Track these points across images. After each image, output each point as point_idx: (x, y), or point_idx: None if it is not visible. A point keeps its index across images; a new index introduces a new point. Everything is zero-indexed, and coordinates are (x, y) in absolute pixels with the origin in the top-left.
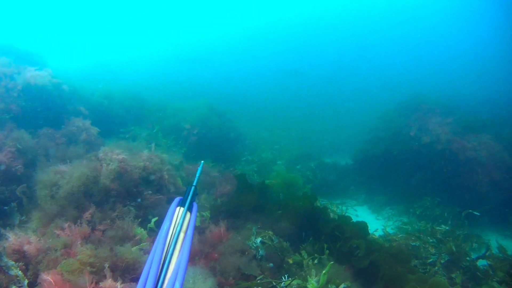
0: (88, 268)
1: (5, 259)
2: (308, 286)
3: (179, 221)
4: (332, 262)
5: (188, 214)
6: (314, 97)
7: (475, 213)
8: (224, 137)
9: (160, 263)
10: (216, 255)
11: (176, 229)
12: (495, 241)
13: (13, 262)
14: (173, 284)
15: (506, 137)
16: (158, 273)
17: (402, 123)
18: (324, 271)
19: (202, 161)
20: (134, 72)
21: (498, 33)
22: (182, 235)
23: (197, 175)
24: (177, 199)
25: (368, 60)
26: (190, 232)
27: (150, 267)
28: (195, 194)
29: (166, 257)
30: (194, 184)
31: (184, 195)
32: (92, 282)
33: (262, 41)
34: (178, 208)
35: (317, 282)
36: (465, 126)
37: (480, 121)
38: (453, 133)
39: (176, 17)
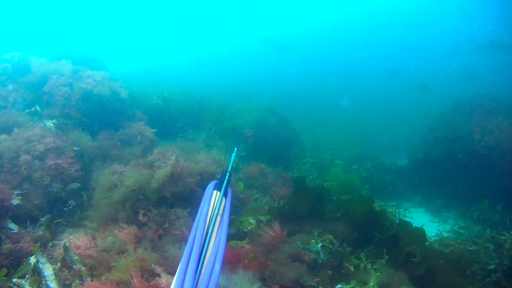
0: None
1: (71, 253)
2: None
3: (216, 204)
4: (379, 273)
5: (224, 198)
6: (372, 96)
7: None
8: (281, 139)
9: (201, 243)
10: (269, 262)
11: (214, 212)
12: None
13: (77, 257)
14: (213, 264)
15: None
16: (200, 254)
17: (462, 124)
18: (372, 283)
19: (236, 148)
20: (194, 75)
21: None
22: (219, 218)
23: (232, 161)
24: (213, 183)
25: (425, 57)
26: (226, 215)
27: (192, 248)
28: (229, 180)
29: (206, 238)
30: (229, 170)
31: (220, 179)
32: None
33: (319, 40)
34: (215, 192)
35: None
36: None
37: None
38: None
39: (233, 17)
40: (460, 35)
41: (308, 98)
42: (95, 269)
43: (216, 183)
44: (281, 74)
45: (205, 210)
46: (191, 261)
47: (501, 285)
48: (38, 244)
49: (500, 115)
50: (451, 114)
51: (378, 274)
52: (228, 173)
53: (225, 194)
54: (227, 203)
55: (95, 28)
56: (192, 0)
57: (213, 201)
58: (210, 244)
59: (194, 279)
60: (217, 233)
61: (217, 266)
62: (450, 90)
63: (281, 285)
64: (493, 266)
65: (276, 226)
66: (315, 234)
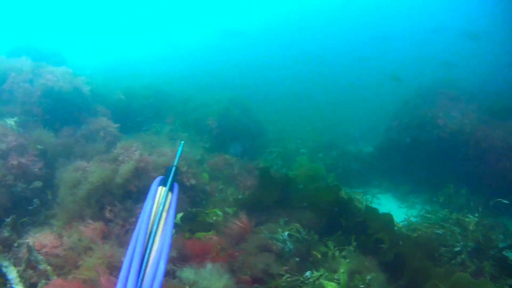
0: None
1: (35, 253)
2: (327, 287)
3: (161, 200)
4: (348, 260)
5: (170, 194)
6: (337, 84)
7: (504, 201)
8: (247, 130)
9: (144, 242)
10: (237, 253)
11: (159, 208)
12: None
13: (42, 257)
14: (158, 263)
15: None
16: (143, 253)
17: (426, 110)
18: (342, 270)
19: (183, 142)
20: (156, 67)
21: None
22: (164, 214)
23: (178, 155)
24: (158, 179)
25: (388, 45)
26: (172, 211)
27: (135, 247)
28: (176, 174)
29: (150, 237)
30: (175, 164)
31: (165, 175)
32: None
33: (283, 28)
34: (160, 188)
35: (338, 282)
36: (491, 113)
37: (507, 107)
38: (477, 120)
39: (195, 8)
40: (434, 24)
41: (273, 88)
42: (62, 268)
43: (162, 179)
44: (245, 65)
45: (148, 207)
46: (134, 261)
47: (465, 265)
48: (0, 247)
49: (463, 101)
50: (415, 100)
51: (348, 261)
52: (174, 168)
53: (171, 189)
54: (173, 198)
55: (55, 21)
56: None
57: (158, 197)
58: (155, 242)
59: (138, 280)
60: (162, 231)
61: (162, 265)
62: (423, 78)
63: (251, 276)
64: (458, 248)
65: (244, 217)
66: (281, 223)
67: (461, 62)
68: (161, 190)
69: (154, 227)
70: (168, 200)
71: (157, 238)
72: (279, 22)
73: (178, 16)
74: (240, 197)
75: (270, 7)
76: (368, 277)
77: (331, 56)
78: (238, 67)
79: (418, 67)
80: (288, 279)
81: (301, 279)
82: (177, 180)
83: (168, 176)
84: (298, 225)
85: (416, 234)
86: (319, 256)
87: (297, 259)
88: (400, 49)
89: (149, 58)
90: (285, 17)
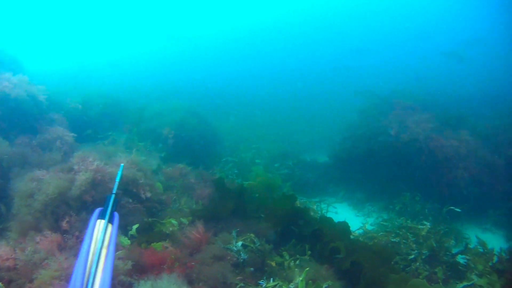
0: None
1: None
2: None
3: (100, 236)
4: (308, 268)
5: (110, 226)
6: (293, 94)
7: (456, 209)
8: (202, 139)
9: (82, 285)
10: (193, 263)
11: (98, 245)
12: (474, 235)
13: None
14: None
15: (483, 132)
16: None
17: (380, 120)
18: (301, 278)
19: (122, 164)
20: (114, 75)
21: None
22: (104, 251)
23: (117, 181)
24: (97, 211)
25: (345, 56)
26: (112, 247)
27: None
28: (116, 202)
29: (89, 278)
30: (114, 192)
31: (104, 205)
32: None
33: (241, 41)
34: (99, 221)
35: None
36: (444, 122)
37: (458, 117)
38: (431, 130)
39: (155, 18)
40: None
41: (229, 97)
42: (16, 281)
43: (101, 211)
44: (202, 74)
45: (86, 246)
46: None
47: (419, 272)
48: None
49: (417, 111)
50: (370, 111)
51: (307, 269)
52: (113, 195)
53: (111, 220)
54: (113, 232)
55: (12, 25)
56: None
57: (96, 233)
58: (94, 284)
59: None
60: (102, 272)
61: None
62: (371, 87)
63: (208, 285)
64: (413, 256)
65: (200, 227)
66: (234, 233)
67: (420, 73)
68: (100, 225)
69: (93, 269)
70: (108, 234)
71: (97, 281)
72: (239, 31)
73: (137, 23)
74: (195, 207)
75: (229, 16)
76: (325, 285)
77: (288, 66)
78: (194, 76)
79: (377, 79)
80: None
81: None
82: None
83: (107, 207)
84: (252, 235)
85: (372, 242)
86: (274, 265)
87: (252, 269)
88: (358, 61)
89: (106, 65)
90: (245, 27)
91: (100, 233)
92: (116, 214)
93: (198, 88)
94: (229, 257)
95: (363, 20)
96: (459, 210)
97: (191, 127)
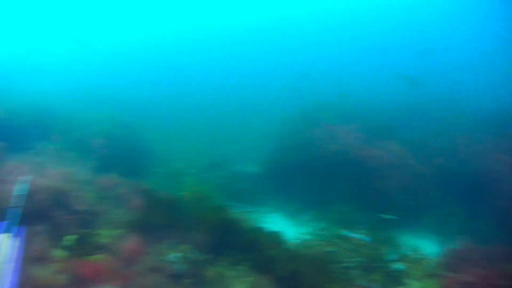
0: None
1: None
2: None
3: (3, 250)
4: (251, 278)
5: (12, 239)
6: (225, 105)
7: (389, 217)
8: (135, 149)
9: None
10: (130, 275)
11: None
12: (409, 242)
13: None
14: None
15: (410, 142)
16: None
17: (310, 131)
18: None
19: (24, 177)
20: (41, 84)
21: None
22: (6, 265)
23: (18, 194)
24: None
25: (275, 67)
26: (13, 261)
27: None
28: (17, 216)
29: None
30: (14, 206)
31: (6, 219)
32: None
33: (167, 49)
34: (1, 236)
35: None
36: (373, 133)
37: (387, 127)
38: (361, 140)
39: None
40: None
41: (163, 108)
42: None
43: (3, 225)
44: (133, 82)
45: None
46: None
47: (356, 279)
48: None
49: (347, 122)
50: (299, 121)
51: (251, 279)
52: (14, 210)
53: (15, 234)
54: (15, 244)
55: None
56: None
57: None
58: None
59: None
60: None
61: None
62: (301, 99)
63: None
64: (349, 264)
65: (135, 238)
66: (168, 245)
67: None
68: (2, 239)
69: None
70: (10, 247)
71: None
72: (172, 37)
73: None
74: (128, 218)
75: (161, 22)
76: None
77: (220, 78)
78: (126, 84)
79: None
80: None
81: None
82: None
83: (9, 221)
84: (188, 246)
85: (309, 251)
86: (211, 275)
87: (189, 280)
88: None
89: (32, 71)
90: (176, 33)
91: (3, 247)
92: (17, 228)
93: (130, 97)
94: (163, 269)
95: (297, 29)
96: (392, 217)
97: (124, 137)
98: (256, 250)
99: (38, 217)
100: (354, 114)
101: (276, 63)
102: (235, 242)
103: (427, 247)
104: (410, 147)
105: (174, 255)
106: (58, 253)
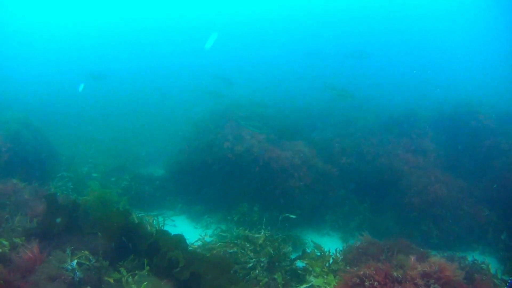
0: None
1: None
2: None
3: None
4: (145, 283)
5: None
6: (129, 107)
7: (291, 216)
8: (38, 153)
9: None
10: (25, 285)
11: None
12: (311, 240)
13: None
14: None
15: (318, 143)
16: None
17: (216, 133)
18: None
19: None
20: None
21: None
22: None
23: None
24: None
25: (186, 68)
26: None
27: None
28: None
29: None
30: None
31: None
32: None
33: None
34: None
35: None
36: (279, 135)
37: (292, 127)
38: (266, 141)
39: None
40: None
41: (65, 109)
42: None
43: None
44: (37, 84)
45: None
46: None
47: (258, 280)
48: None
49: (253, 122)
50: (206, 124)
51: (145, 283)
52: None
53: None
54: None
55: None
56: None
57: None
58: None
59: None
60: None
61: None
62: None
63: None
64: (251, 264)
65: (35, 246)
66: (68, 252)
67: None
68: None
69: None
70: None
71: None
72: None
73: None
74: (29, 225)
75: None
76: None
77: (130, 79)
78: (31, 85)
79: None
80: None
81: None
82: None
83: None
84: (87, 252)
85: (210, 254)
86: (112, 281)
87: (89, 287)
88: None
89: None
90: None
91: None
92: None
93: (33, 99)
94: (63, 277)
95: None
96: (294, 217)
97: (26, 140)
98: (157, 254)
99: None
100: (262, 115)
101: (187, 64)
102: (135, 247)
103: (331, 244)
104: (318, 147)
105: (73, 263)
106: None
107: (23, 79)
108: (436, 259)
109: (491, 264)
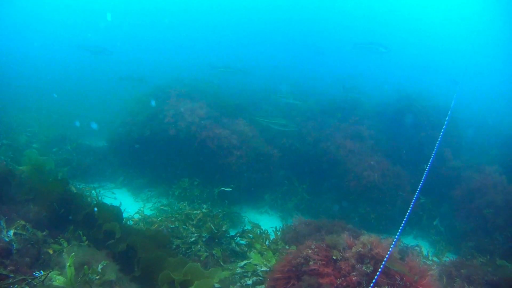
0: None
1: None
2: (55, 282)
3: None
4: (73, 254)
5: None
6: (74, 77)
7: (226, 189)
8: None
9: None
10: None
11: None
12: (251, 217)
13: None
14: None
15: (259, 123)
16: None
17: (158, 107)
18: (68, 264)
19: None
20: None
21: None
22: None
23: None
24: None
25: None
26: None
27: None
28: None
29: None
30: None
31: None
32: None
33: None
34: None
35: (65, 275)
36: (220, 111)
37: (234, 106)
38: (207, 118)
39: None
40: None
41: (13, 75)
42: None
43: None
44: None
45: None
46: None
47: (199, 255)
48: None
49: (194, 99)
50: (150, 97)
51: (73, 254)
52: None
53: None
54: None
55: None
56: None
57: None
58: None
59: None
60: None
61: None
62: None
63: None
64: (193, 239)
65: None
66: (2, 222)
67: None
68: None
69: None
70: None
71: None
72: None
73: None
74: None
75: None
76: (100, 266)
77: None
78: None
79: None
80: (13, 281)
81: (29, 279)
82: None
83: None
84: (23, 222)
85: (150, 227)
86: (51, 252)
87: (27, 259)
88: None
89: None
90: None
91: None
92: None
93: None
94: None
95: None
96: (229, 190)
97: None
98: (95, 225)
99: None
100: (204, 92)
101: (138, 37)
102: (74, 218)
103: (270, 223)
104: (260, 127)
105: (10, 233)
106: None
107: None
108: (366, 237)
109: (424, 247)
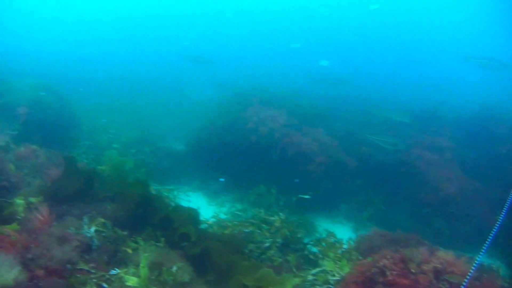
0: None
1: None
2: (128, 283)
3: None
4: (147, 255)
5: None
6: (154, 83)
7: (305, 196)
8: (60, 120)
9: None
10: (32, 245)
11: None
12: (326, 226)
13: None
14: None
15: (337, 130)
16: None
17: (239, 113)
18: (142, 264)
19: None
20: None
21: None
22: None
23: None
24: None
25: (214, 48)
26: None
27: None
28: None
29: None
30: None
31: None
32: None
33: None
34: None
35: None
36: (300, 119)
37: (314, 115)
38: (288, 126)
39: None
40: None
41: (92, 80)
42: None
43: None
44: (65, 50)
45: None
46: None
47: (273, 259)
48: None
49: (274, 107)
50: (230, 104)
51: (147, 255)
52: None
53: None
54: None
55: None
56: None
57: None
58: None
59: None
60: None
61: None
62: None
63: (47, 268)
64: (267, 244)
65: (44, 209)
66: (85, 219)
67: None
68: None
69: None
70: None
71: None
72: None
73: None
74: (44, 189)
75: None
76: (174, 268)
77: (153, 54)
78: (56, 52)
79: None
80: (92, 276)
81: (107, 276)
82: None
83: None
84: (103, 219)
85: (225, 231)
86: (130, 251)
87: (106, 257)
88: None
89: None
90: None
91: None
92: None
93: (59, 66)
94: (76, 243)
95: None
96: (308, 197)
97: (48, 105)
98: (171, 227)
99: None
100: (286, 99)
101: (212, 46)
102: (151, 219)
103: (343, 233)
104: (338, 136)
105: (91, 230)
106: None
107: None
108: (443, 253)
109: (501, 268)
